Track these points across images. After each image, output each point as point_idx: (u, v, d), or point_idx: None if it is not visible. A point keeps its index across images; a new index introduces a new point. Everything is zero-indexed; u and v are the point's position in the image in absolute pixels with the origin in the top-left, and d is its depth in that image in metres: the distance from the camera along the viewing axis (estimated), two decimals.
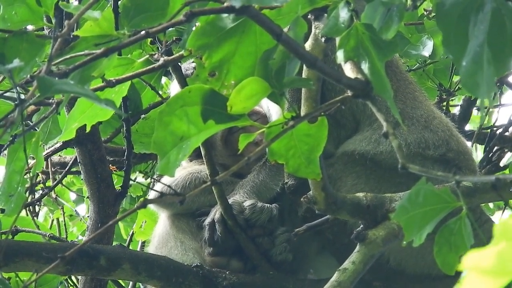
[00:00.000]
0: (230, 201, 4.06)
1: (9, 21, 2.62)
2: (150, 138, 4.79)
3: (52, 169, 5.30)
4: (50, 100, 2.49)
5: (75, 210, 6.28)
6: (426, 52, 4.94)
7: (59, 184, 5.37)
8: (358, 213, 3.11)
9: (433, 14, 5.23)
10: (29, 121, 3.94)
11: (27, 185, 2.83)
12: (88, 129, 2.73)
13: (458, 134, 4.26)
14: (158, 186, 4.27)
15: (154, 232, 4.39)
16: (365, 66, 2.43)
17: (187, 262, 3.99)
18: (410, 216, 2.41)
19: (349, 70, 2.48)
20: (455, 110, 5.88)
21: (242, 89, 2.41)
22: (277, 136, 2.42)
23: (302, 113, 2.65)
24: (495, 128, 5.74)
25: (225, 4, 2.30)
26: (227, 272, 3.97)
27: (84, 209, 6.43)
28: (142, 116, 4.86)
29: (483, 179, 2.66)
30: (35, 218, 5.40)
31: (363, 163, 4.04)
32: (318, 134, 2.54)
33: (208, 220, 4.11)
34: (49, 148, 4.78)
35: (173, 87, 4.41)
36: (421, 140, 4.07)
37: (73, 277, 5.12)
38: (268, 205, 4.10)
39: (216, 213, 4.08)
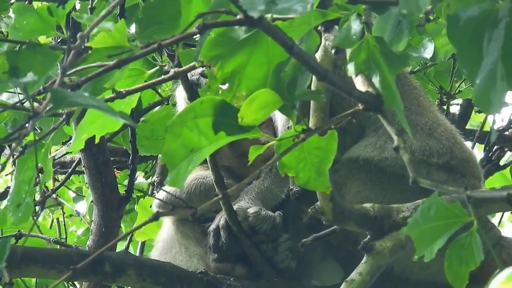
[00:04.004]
0: (235, 207, 4.04)
1: (21, 31, 2.61)
2: (150, 140, 4.80)
3: (53, 169, 5.28)
4: (60, 111, 2.48)
5: (76, 210, 6.26)
6: (427, 54, 4.91)
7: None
8: (365, 223, 3.10)
9: (434, 16, 5.21)
10: (36, 128, 3.93)
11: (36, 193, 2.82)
12: (97, 140, 2.72)
13: (463, 141, 4.24)
14: (163, 193, 4.25)
15: (158, 237, 4.37)
16: (376, 80, 2.43)
17: (191, 268, 3.97)
18: (422, 230, 2.41)
19: (360, 83, 2.48)
20: (455, 110, 5.87)
21: (254, 100, 2.40)
22: (288, 149, 2.41)
23: (311, 125, 2.65)
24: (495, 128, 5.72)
25: (238, 17, 2.29)
26: (232, 279, 3.95)
27: (83, 206, 6.40)
28: (142, 119, 4.85)
29: (494, 194, 2.67)
30: (35, 218, 5.38)
31: (368, 169, 4.03)
32: (327, 147, 2.53)
33: (213, 226, 4.09)
34: (54, 154, 4.78)
35: (179, 92, 4.39)
36: (425, 147, 4.06)
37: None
38: (272, 213, 4.07)
39: (221, 219, 4.06)
